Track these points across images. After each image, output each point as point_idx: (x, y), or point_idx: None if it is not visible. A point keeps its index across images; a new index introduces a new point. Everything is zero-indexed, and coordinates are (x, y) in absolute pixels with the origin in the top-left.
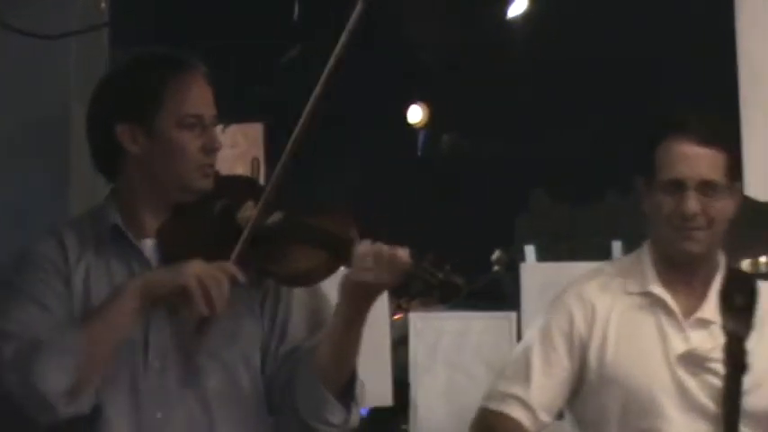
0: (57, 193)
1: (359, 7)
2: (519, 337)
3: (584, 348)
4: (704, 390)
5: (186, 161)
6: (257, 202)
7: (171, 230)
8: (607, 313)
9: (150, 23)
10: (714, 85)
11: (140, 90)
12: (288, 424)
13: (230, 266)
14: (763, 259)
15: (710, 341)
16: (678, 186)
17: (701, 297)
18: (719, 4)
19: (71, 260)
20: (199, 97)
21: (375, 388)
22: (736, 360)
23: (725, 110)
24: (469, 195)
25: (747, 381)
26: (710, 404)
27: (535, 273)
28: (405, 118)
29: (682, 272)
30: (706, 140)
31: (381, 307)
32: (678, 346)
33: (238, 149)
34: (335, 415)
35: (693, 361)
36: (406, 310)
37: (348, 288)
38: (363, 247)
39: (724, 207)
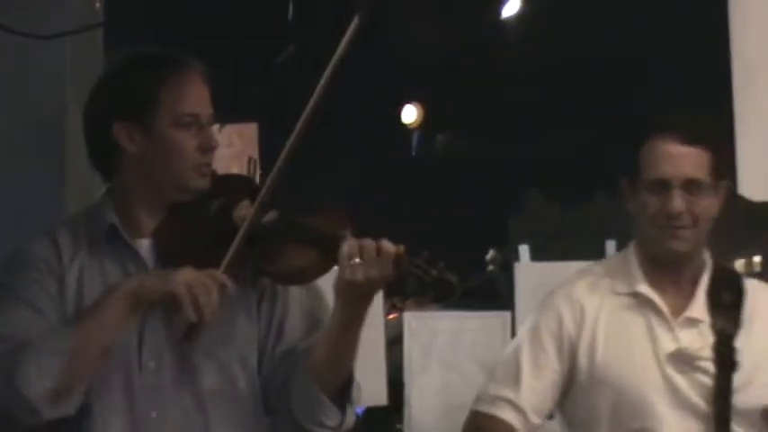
0: (52, 194)
1: (354, 22)
2: (513, 337)
3: (573, 349)
4: (695, 388)
5: (183, 160)
6: (253, 201)
7: (167, 230)
8: (596, 313)
9: (145, 24)
10: (708, 85)
11: (137, 89)
12: (284, 424)
13: (220, 275)
14: (757, 259)
15: (700, 340)
16: (663, 186)
17: (688, 296)
18: (713, 4)
19: (65, 260)
20: (195, 96)
21: (370, 387)
22: (725, 358)
23: (719, 110)
24: (464, 195)
25: (737, 379)
26: (701, 403)
27: (529, 272)
28: (399, 118)
29: (668, 271)
30: (690, 140)
31: (376, 306)
32: (667, 345)
33: (233, 149)
34: (330, 417)
35: (683, 360)
36: (401, 310)
37: (341, 289)
38: (349, 246)
39: (709, 206)
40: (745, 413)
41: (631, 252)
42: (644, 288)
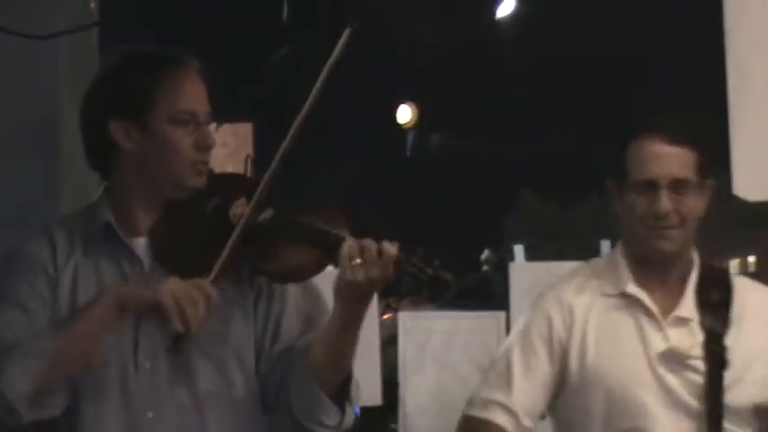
0: (48, 193)
1: (346, 34)
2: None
3: (564, 351)
4: (686, 387)
5: (179, 158)
6: (249, 199)
7: (163, 228)
8: (585, 315)
9: (139, 23)
10: (702, 85)
11: (134, 86)
12: (282, 424)
13: (207, 286)
14: (751, 259)
15: (690, 339)
16: (650, 186)
17: (677, 295)
18: (708, 4)
19: (60, 260)
20: (192, 94)
21: (364, 387)
22: (715, 356)
23: (713, 110)
24: (459, 195)
25: (728, 376)
26: (693, 401)
27: (524, 272)
28: (394, 118)
29: (657, 271)
30: (676, 139)
31: (371, 307)
32: (658, 344)
33: (228, 149)
34: (330, 416)
35: (674, 359)
36: (396, 310)
37: (342, 290)
38: (350, 246)
39: (696, 205)
40: (737, 410)
41: (619, 253)
42: (632, 288)
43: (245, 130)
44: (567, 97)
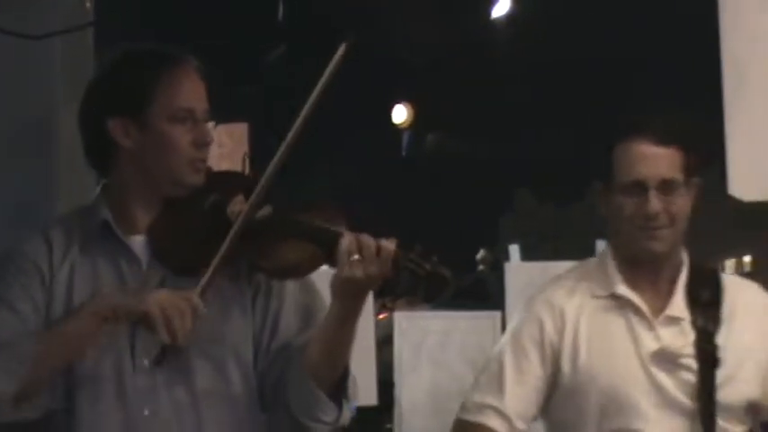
0: (45, 193)
1: (341, 49)
2: None
3: (556, 354)
4: (679, 386)
5: (177, 155)
6: (247, 197)
7: (161, 226)
8: (576, 317)
9: (135, 23)
10: (698, 85)
11: (132, 83)
12: (281, 421)
13: (195, 297)
14: (747, 259)
15: (681, 338)
16: (639, 187)
17: (667, 295)
18: (703, 4)
19: (56, 258)
20: (190, 91)
21: (360, 387)
22: (707, 355)
23: (709, 110)
24: (454, 195)
25: (721, 374)
26: (686, 400)
27: (520, 272)
28: (389, 118)
29: (647, 271)
30: (663, 140)
31: (366, 306)
32: (650, 344)
33: (224, 149)
34: (327, 413)
35: (666, 358)
36: (391, 310)
37: (339, 287)
38: (348, 242)
39: (684, 204)
40: (730, 408)
41: (608, 255)
42: (623, 289)
43: (240, 130)
44: (563, 97)
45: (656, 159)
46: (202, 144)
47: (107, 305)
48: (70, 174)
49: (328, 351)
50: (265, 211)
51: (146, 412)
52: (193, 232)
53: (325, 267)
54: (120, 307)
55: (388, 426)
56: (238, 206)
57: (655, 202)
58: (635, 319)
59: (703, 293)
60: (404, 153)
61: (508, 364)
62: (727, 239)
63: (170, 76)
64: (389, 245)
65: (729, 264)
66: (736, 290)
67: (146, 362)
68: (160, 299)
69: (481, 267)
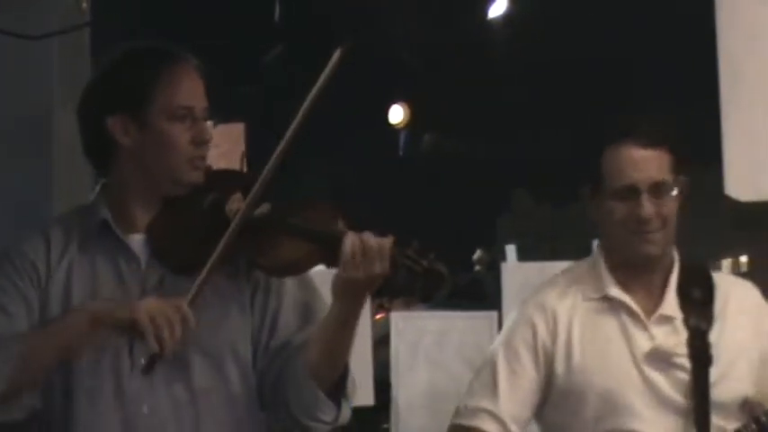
0: (41, 193)
1: (337, 54)
2: None
3: (549, 356)
4: (673, 385)
5: (177, 153)
6: (246, 195)
7: (160, 225)
8: (569, 319)
9: (132, 23)
10: (695, 84)
11: (131, 81)
12: (280, 419)
13: (184, 306)
14: (743, 259)
15: (674, 337)
16: (630, 191)
17: (659, 295)
18: (700, 3)
19: (53, 258)
20: (190, 89)
21: (356, 387)
22: (700, 353)
23: (705, 110)
24: (451, 195)
25: (714, 372)
26: (680, 398)
27: (516, 272)
28: (386, 118)
29: (639, 273)
30: (651, 142)
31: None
32: (643, 344)
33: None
34: (326, 412)
35: (660, 358)
36: (388, 310)
37: (341, 287)
38: (351, 242)
39: (674, 205)
40: (725, 406)
41: (598, 257)
42: (615, 291)
43: (237, 130)
44: (560, 97)
45: (645, 162)
46: (201, 142)
47: (96, 313)
48: (67, 173)
49: (328, 351)
50: (263, 208)
51: (144, 410)
52: (192, 231)
53: (324, 268)
54: (108, 315)
55: (385, 426)
56: (236, 204)
57: (647, 206)
58: (628, 320)
59: (695, 292)
60: (401, 153)
61: (501, 368)
62: (724, 239)
63: (169, 74)
64: (387, 241)
65: (726, 263)
66: (728, 288)
67: (143, 360)
68: (149, 307)
69: (478, 267)
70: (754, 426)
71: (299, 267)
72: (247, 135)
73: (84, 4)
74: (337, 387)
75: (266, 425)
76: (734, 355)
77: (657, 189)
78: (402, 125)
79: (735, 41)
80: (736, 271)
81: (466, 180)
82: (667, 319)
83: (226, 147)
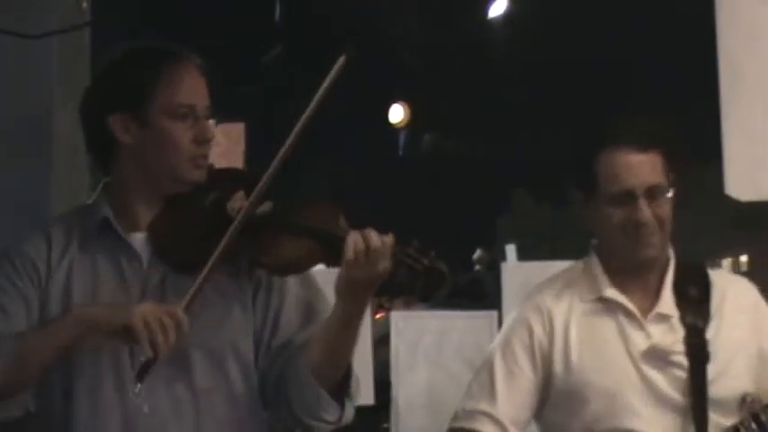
0: (39, 193)
1: (340, 61)
2: None
3: (546, 358)
4: (671, 383)
5: (178, 152)
6: (248, 193)
7: (162, 223)
8: (565, 320)
9: (131, 23)
10: (695, 84)
11: (132, 80)
12: (283, 418)
13: (179, 312)
14: (743, 258)
15: (671, 335)
16: (627, 196)
17: (656, 293)
18: (700, 3)
19: (54, 257)
20: (191, 87)
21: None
22: (697, 351)
23: (705, 110)
24: (451, 195)
25: (712, 370)
26: (678, 396)
27: (516, 272)
28: (386, 118)
29: (635, 273)
30: (644, 146)
31: None
32: (640, 343)
33: (220, 148)
34: (329, 412)
35: (657, 356)
36: (388, 309)
37: (344, 286)
38: (354, 242)
39: (669, 206)
40: (723, 403)
41: (593, 260)
42: (610, 292)
43: (237, 130)
44: (560, 97)
45: (640, 167)
46: (203, 141)
47: (90, 317)
48: (67, 173)
49: (331, 351)
50: (265, 207)
51: (144, 409)
52: (194, 229)
53: (324, 267)
54: (103, 319)
55: (385, 425)
56: (238, 203)
57: (645, 211)
58: (624, 320)
59: (691, 290)
60: (401, 153)
61: (499, 370)
62: (724, 239)
63: (170, 73)
64: (388, 239)
65: (726, 263)
66: (725, 285)
67: (143, 359)
68: (144, 312)
69: (478, 267)
70: (752, 421)
71: (300, 266)
72: (247, 135)
73: (84, 4)
74: (340, 387)
75: (268, 424)
76: (731, 352)
77: (653, 192)
78: (402, 125)
79: (735, 41)
80: (736, 271)
81: (466, 180)
82: (664, 318)
83: (225, 146)
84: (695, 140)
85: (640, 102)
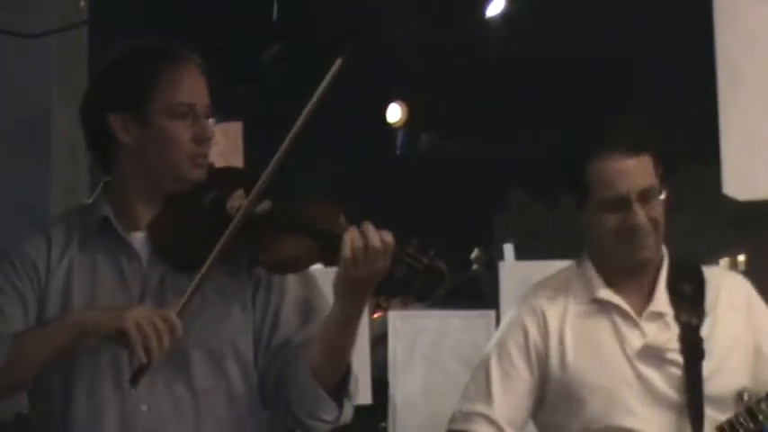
0: (37, 191)
1: (338, 63)
2: None
3: (542, 358)
4: (666, 381)
5: (178, 151)
6: (247, 192)
7: (162, 222)
8: (560, 321)
9: (129, 22)
10: (692, 84)
11: (132, 79)
12: (282, 418)
13: (173, 317)
14: (741, 258)
15: (666, 333)
16: (621, 202)
17: (650, 292)
18: (698, 3)
19: (54, 257)
20: (191, 86)
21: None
22: (692, 348)
23: (703, 110)
24: (449, 194)
25: (708, 367)
26: (674, 394)
27: (514, 271)
28: (384, 117)
29: (630, 274)
30: (635, 150)
31: None
32: (635, 342)
33: (218, 148)
34: (328, 412)
35: (652, 354)
36: (386, 309)
37: (342, 285)
38: (351, 239)
39: (661, 206)
40: (720, 399)
41: (586, 262)
42: (604, 293)
43: (235, 129)
44: (558, 96)
45: (632, 171)
46: (203, 139)
47: (83, 321)
48: (65, 171)
49: (331, 351)
50: (265, 205)
51: (143, 408)
52: (193, 228)
53: (323, 267)
54: (95, 323)
55: (383, 425)
56: (238, 201)
57: (640, 215)
58: (619, 320)
59: (686, 287)
60: (398, 152)
61: (495, 371)
62: (722, 238)
63: (170, 72)
64: (388, 236)
65: (723, 262)
66: (719, 281)
67: (136, 363)
68: (137, 317)
69: (475, 266)
70: (745, 415)
71: (300, 264)
72: (245, 134)
73: (82, 3)
74: (339, 386)
75: (268, 424)
76: (727, 348)
77: (646, 195)
78: (399, 124)
79: (733, 42)
80: (733, 270)
81: (463, 179)
82: (658, 316)
83: (223, 145)
84: (694, 140)
85: (638, 101)
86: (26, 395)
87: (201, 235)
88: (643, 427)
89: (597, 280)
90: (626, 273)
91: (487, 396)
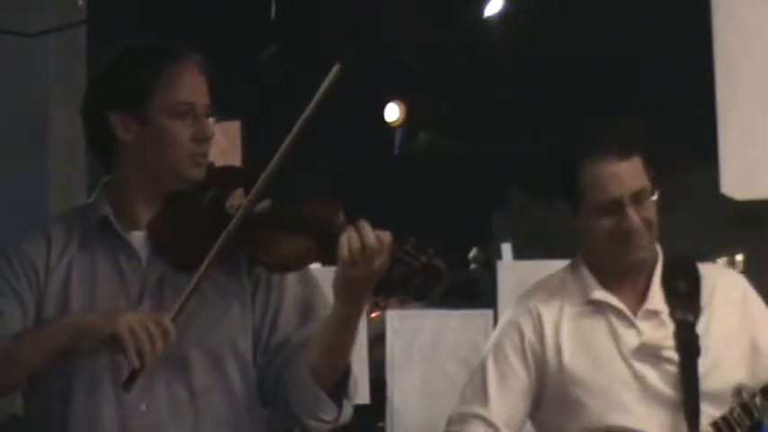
0: (35, 190)
1: (336, 68)
2: None
3: (538, 359)
4: (663, 379)
5: (177, 150)
6: (247, 191)
7: (161, 221)
8: (556, 322)
9: (127, 21)
10: (690, 83)
11: (132, 78)
12: (281, 417)
13: (166, 321)
14: (739, 257)
15: (661, 330)
16: (615, 205)
17: (645, 290)
18: (696, 3)
19: (53, 256)
20: (191, 85)
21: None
22: (687, 345)
23: (701, 109)
24: (447, 194)
25: (704, 364)
26: (670, 391)
27: (512, 271)
28: (382, 116)
29: (625, 275)
30: (626, 152)
31: None
32: (631, 341)
33: (217, 147)
34: (327, 412)
35: (648, 352)
36: (384, 308)
37: (341, 285)
38: (349, 238)
39: (654, 206)
40: (717, 395)
41: (581, 265)
42: (599, 294)
43: (233, 129)
44: (556, 96)
45: (624, 174)
46: (203, 139)
47: (76, 325)
48: (63, 170)
49: (330, 351)
50: (264, 204)
51: (142, 407)
52: (193, 227)
53: (322, 267)
54: (88, 328)
55: (380, 424)
56: (237, 200)
57: (634, 217)
58: (615, 319)
59: (681, 285)
60: (396, 151)
61: (491, 372)
62: (720, 238)
63: (169, 71)
64: (385, 235)
65: (722, 262)
66: (715, 278)
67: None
68: (131, 321)
69: (473, 266)
70: (740, 410)
71: (299, 263)
72: (244, 133)
73: (80, 2)
74: (339, 386)
75: (267, 423)
76: (723, 344)
77: (639, 197)
78: (398, 123)
79: (730, 41)
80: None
81: (461, 178)
82: (653, 314)
83: (222, 144)
84: (692, 140)
85: (637, 101)
86: (20, 395)
87: (201, 234)
88: (640, 425)
89: (592, 281)
90: (621, 273)
91: (484, 398)
